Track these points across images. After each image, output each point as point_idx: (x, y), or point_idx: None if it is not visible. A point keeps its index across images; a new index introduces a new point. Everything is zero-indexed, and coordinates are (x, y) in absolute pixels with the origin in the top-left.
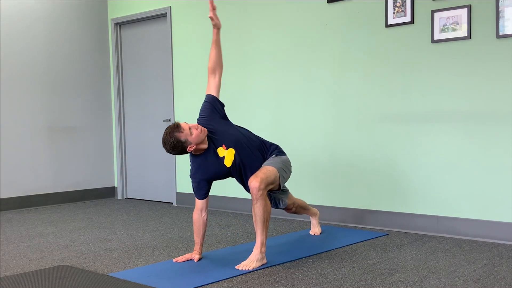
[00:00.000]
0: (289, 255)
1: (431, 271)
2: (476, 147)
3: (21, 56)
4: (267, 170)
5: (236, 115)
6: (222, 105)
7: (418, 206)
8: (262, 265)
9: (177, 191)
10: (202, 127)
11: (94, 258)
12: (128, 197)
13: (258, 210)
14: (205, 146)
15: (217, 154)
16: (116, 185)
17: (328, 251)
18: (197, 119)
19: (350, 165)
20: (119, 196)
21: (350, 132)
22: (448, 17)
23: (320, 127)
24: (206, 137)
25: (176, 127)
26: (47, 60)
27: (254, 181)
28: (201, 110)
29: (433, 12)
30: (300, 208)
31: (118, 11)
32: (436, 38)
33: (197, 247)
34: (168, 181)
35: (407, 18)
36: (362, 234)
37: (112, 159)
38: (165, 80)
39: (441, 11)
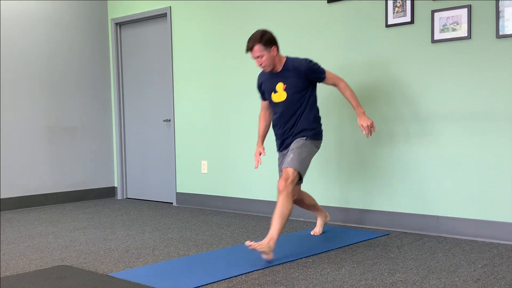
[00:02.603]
0: (289, 255)
1: (431, 271)
2: (476, 147)
3: (21, 56)
4: (293, 171)
5: (236, 115)
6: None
7: (418, 206)
8: (267, 261)
9: (177, 191)
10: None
11: (94, 258)
12: (128, 197)
13: (280, 204)
14: (277, 68)
15: (275, 81)
16: (116, 185)
17: (328, 251)
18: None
19: (350, 165)
20: (119, 196)
21: (350, 131)
22: (448, 17)
23: None
24: (282, 68)
25: None
26: (47, 60)
27: (285, 175)
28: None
29: (433, 12)
30: (308, 205)
31: (118, 11)
32: (436, 38)
33: (259, 141)
34: (168, 181)
35: (407, 18)
36: (362, 234)
37: (112, 159)
38: (165, 80)
39: (441, 11)
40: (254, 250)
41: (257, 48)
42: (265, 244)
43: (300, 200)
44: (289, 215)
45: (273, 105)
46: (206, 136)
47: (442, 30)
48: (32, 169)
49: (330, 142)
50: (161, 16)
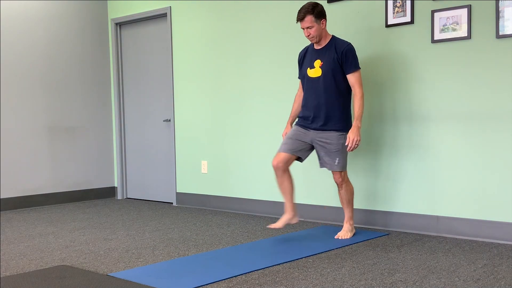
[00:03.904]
0: (289, 255)
1: (431, 271)
2: (476, 147)
3: (21, 56)
4: (343, 168)
5: (236, 115)
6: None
7: (418, 206)
8: (354, 235)
9: (177, 191)
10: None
11: (94, 258)
12: (128, 197)
13: (343, 194)
14: (321, 43)
15: (314, 57)
16: (116, 185)
17: (328, 251)
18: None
19: (349, 165)
20: (119, 196)
21: None
22: (448, 17)
23: None
24: (325, 46)
25: None
26: (47, 60)
27: (338, 177)
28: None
29: (433, 12)
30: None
31: (118, 11)
32: (436, 38)
33: (289, 120)
34: (168, 181)
35: (407, 18)
36: (362, 234)
37: (112, 159)
38: (165, 80)
39: (441, 11)
40: (339, 238)
41: (308, 18)
42: (348, 229)
43: (286, 174)
44: (353, 195)
45: (307, 80)
46: (206, 136)
47: (442, 30)
48: (32, 169)
49: None
50: (161, 16)
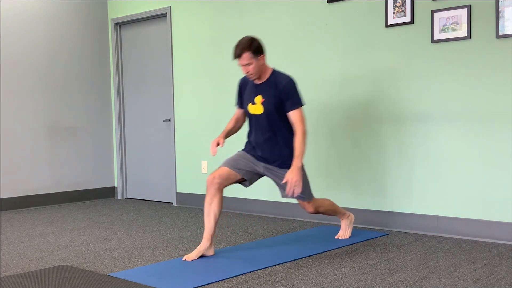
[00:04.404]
0: (289, 255)
1: (431, 271)
2: (476, 147)
3: (21, 56)
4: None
5: None
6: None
7: (418, 206)
8: (352, 229)
9: (177, 191)
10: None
11: (94, 258)
12: (128, 197)
13: (324, 212)
14: (262, 78)
15: (255, 93)
16: (116, 185)
17: (328, 251)
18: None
19: (350, 166)
20: (119, 196)
21: (350, 132)
22: (448, 17)
23: (319, 127)
24: (265, 81)
25: None
26: (47, 60)
27: (308, 208)
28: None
29: (433, 12)
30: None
31: (118, 11)
32: (436, 38)
33: (222, 134)
34: (168, 181)
35: (407, 18)
36: (362, 234)
37: (112, 159)
38: (165, 80)
39: (441, 11)
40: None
41: (246, 55)
42: (346, 225)
43: (218, 195)
44: (333, 203)
45: (249, 116)
46: (206, 136)
47: (442, 30)
48: (32, 169)
49: (330, 143)
50: (161, 16)
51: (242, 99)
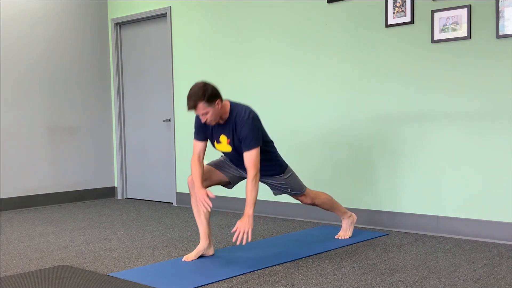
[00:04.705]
0: (289, 255)
1: (431, 271)
2: (476, 146)
3: (21, 56)
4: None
5: None
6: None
7: (418, 206)
8: (354, 228)
9: (177, 191)
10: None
11: (94, 258)
12: (128, 197)
13: (322, 206)
14: (222, 119)
15: (219, 131)
16: (116, 185)
17: (328, 251)
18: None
19: (350, 165)
20: (119, 196)
21: (350, 132)
22: (448, 17)
23: (319, 127)
24: (226, 121)
25: None
26: (47, 60)
27: (303, 200)
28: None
29: (433, 12)
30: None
31: (118, 11)
32: (436, 38)
33: (199, 185)
34: (168, 181)
35: (407, 18)
36: (362, 234)
37: (112, 159)
38: (165, 80)
39: (441, 11)
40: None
41: (201, 106)
42: (347, 225)
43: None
44: (331, 199)
45: (221, 150)
46: None
47: (442, 30)
48: (32, 169)
49: (329, 141)
50: (161, 16)
51: (205, 132)
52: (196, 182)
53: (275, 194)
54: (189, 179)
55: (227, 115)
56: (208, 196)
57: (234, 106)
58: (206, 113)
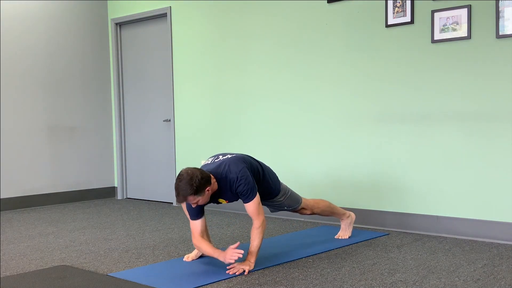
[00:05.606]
0: (289, 255)
1: (431, 271)
2: (476, 147)
3: (21, 56)
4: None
5: (236, 115)
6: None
7: (418, 206)
8: (353, 229)
9: None
10: (213, 188)
11: (94, 258)
12: (128, 197)
13: (321, 213)
14: (213, 191)
15: (216, 195)
16: (116, 185)
17: (328, 251)
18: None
19: (349, 166)
20: (119, 196)
21: (350, 132)
22: (448, 17)
23: (319, 127)
24: (218, 189)
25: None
26: (47, 60)
27: (302, 212)
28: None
29: (433, 12)
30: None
31: (118, 11)
32: (436, 38)
33: (216, 251)
34: (168, 181)
35: (407, 18)
36: (362, 234)
37: (112, 159)
38: (165, 80)
39: (441, 11)
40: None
41: (191, 198)
42: (345, 225)
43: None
44: (329, 205)
45: None
46: (206, 136)
47: (442, 30)
48: (32, 169)
49: (329, 142)
50: (161, 16)
51: (199, 210)
52: (215, 254)
53: (272, 212)
54: (193, 242)
55: (217, 186)
56: (233, 249)
57: (219, 177)
58: (197, 202)
